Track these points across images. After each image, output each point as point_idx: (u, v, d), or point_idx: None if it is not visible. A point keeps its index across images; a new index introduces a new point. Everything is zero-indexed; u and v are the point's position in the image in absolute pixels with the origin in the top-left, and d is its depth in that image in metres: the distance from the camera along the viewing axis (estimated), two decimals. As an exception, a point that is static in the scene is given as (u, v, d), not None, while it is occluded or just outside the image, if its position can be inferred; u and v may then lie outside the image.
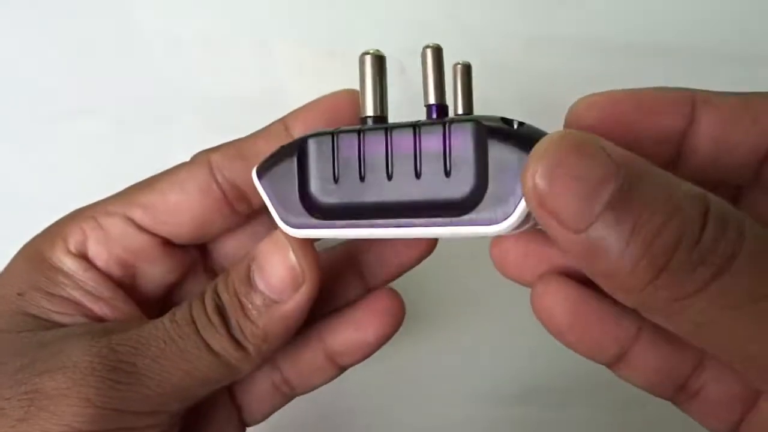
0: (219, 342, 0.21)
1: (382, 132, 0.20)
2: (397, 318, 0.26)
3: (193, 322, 0.22)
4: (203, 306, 0.22)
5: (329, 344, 0.25)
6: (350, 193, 0.20)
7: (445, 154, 0.19)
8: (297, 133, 0.23)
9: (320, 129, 0.21)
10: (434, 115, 0.20)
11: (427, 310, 0.43)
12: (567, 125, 0.20)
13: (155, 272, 0.25)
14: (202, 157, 0.24)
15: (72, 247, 0.23)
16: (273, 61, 0.36)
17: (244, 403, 0.27)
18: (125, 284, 0.24)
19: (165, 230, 0.24)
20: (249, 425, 0.27)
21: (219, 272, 0.26)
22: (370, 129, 0.20)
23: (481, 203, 0.18)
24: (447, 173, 0.19)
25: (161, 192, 0.24)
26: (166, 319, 0.22)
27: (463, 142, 0.19)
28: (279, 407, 0.27)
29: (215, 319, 0.22)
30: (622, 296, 0.16)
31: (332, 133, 0.20)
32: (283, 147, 0.21)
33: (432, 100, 0.20)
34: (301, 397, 0.40)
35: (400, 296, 0.26)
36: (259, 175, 0.22)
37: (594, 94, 0.20)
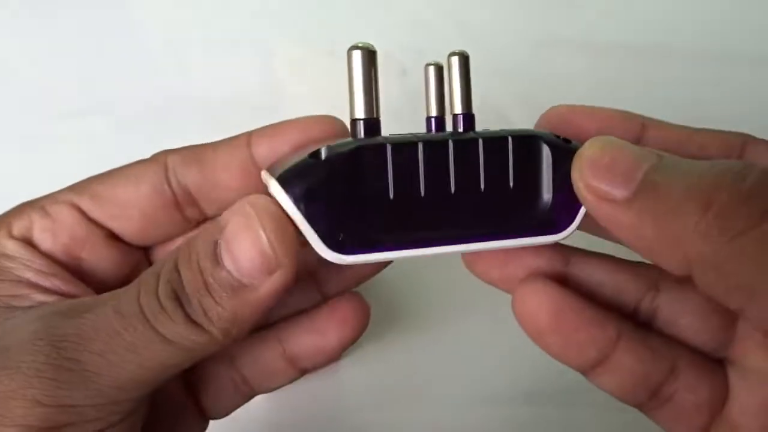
0: (173, 329, 0.19)
1: (443, 144, 0.19)
2: (361, 323, 0.25)
3: (141, 311, 0.19)
4: (155, 289, 0.20)
5: (290, 348, 0.25)
6: (408, 210, 0.19)
7: (510, 168, 0.19)
8: (260, 151, 0.23)
9: (364, 140, 0.19)
10: (461, 127, 0.20)
11: (428, 311, 0.43)
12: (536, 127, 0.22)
13: (99, 267, 0.24)
14: (161, 157, 0.24)
15: (15, 232, 0.23)
16: (273, 61, 0.35)
17: (202, 399, 0.26)
18: (72, 272, 0.24)
19: (112, 224, 0.24)
20: (213, 419, 0.26)
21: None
22: (429, 140, 0.19)
23: (546, 213, 0.20)
24: (510, 187, 0.19)
25: (113, 185, 0.23)
26: (109, 309, 0.20)
27: (526, 154, 0.19)
28: (241, 404, 0.26)
29: (169, 305, 0.19)
30: (672, 257, 0.18)
31: (386, 143, 0.19)
32: (317, 157, 0.19)
33: (459, 109, 0.20)
34: (301, 396, 0.40)
35: (364, 301, 0.25)
36: (287, 186, 0.19)
37: (560, 106, 0.22)
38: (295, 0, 0.36)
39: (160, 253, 0.26)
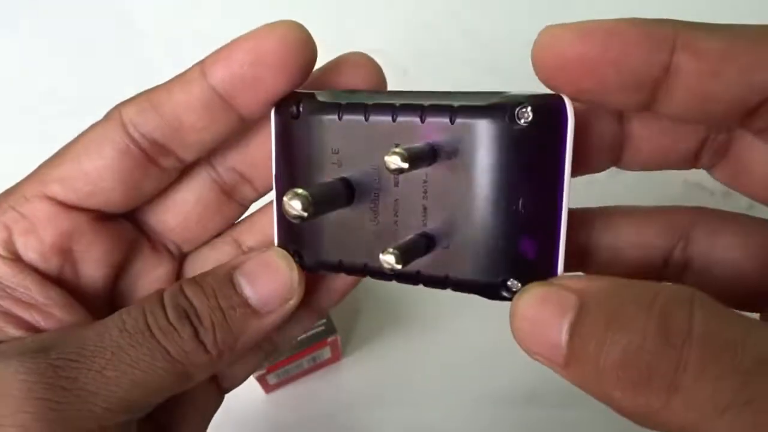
0: (181, 346, 0.20)
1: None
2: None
3: (148, 327, 0.20)
4: (161, 308, 0.20)
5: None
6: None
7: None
8: (217, 79, 0.21)
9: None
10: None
11: (430, 312, 0.43)
12: (533, 61, 0.18)
13: (95, 254, 0.22)
14: (113, 114, 0.21)
15: None
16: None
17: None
18: (65, 277, 0.22)
19: (93, 202, 0.21)
20: (228, 390, 0.26)
21: (167, 244, 0.24)
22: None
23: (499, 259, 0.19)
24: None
25: (75, 160, 0.21)
26: (113, 327, 0.20)
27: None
28: (260, 366, 0.27)
29: (178, 322, 0.20)
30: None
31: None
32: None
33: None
34: (301, 395, 0.40)
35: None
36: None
37: (559, 26, 0.18)
38: (296, 0, 0.36)
39: (155, 221, 0.24)
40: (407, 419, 0.38)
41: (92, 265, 0.22)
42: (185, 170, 0.23)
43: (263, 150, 0.22)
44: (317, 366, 0.40)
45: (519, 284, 0.18)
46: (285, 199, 0.18)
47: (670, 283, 0.16)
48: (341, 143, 0.20)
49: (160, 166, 0.22)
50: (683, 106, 0.17)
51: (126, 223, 0.23)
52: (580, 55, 0.17)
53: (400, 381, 0.39)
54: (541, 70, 0.18)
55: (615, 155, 0.21)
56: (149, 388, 0.20)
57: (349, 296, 0.26)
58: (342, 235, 0.21)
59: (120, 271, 0.23)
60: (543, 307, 0.17)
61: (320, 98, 0.20)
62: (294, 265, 0.22)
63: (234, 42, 0.20)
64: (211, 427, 0.26)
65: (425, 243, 0.19)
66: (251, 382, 0.37)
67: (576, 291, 0.16)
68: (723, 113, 0.17)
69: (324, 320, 0.37)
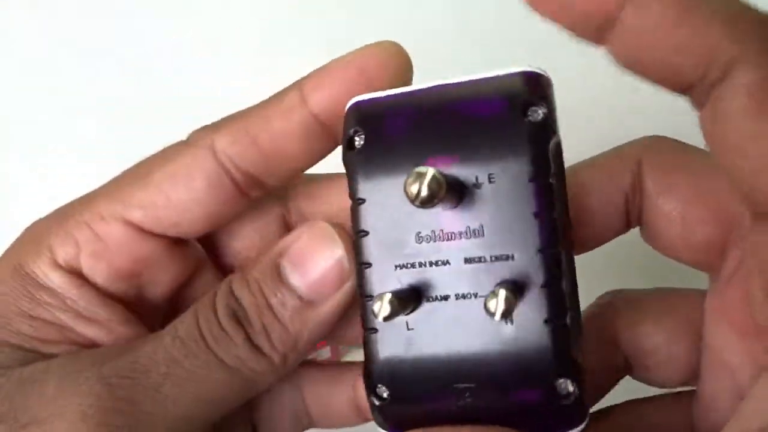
0: (235, 353, 0.18)
1: None
2: None
3: (201, 335, 0.19)
4: (213, 313, 0.19)
5: (361, 395, 0.22)
6: None
7: None
8: (320, 107, 0.19)
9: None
10: None
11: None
12: None
13: (163, 278, 0.21)
14: (203, 141, 0.20)
15: (61, 261, 0.20)
16: (274, 63, 0.36)
17: (261, 428, 0.24)
18: (128, 297, 0.21)
19: (174, 231, 0.20)
20: None
21: (229, 264, 0.23)
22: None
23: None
24: None
25: (161, 189, 0.20)
26: (166, 336, 0.19)
27: None
28: None
29: (230, 326, 0.19)
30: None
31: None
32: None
33: None
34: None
35: None
36: None
37: None
38: (296, 2, 0.36)
39: (225, 241, 0.23)
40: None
41: (158, 287, 0.22)
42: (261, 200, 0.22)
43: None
44: (317, 366, 0.40)
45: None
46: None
47: None
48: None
49: (248, 197, 0.21)
50: (626, 55, 0.16)
51: (196, 245, 0.22)
52: None
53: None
54: None
55: None
56: (211, 402, 0.18)
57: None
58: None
59: (183, 288, 0.22)
60: None
61: None
62: (339, 240, 0.19)
63: (332, 64, 0.19)
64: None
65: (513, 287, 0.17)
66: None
67: None
68: (663, 77, 0.16)
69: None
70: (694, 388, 0.21)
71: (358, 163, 0.18)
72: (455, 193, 0.17)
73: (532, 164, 0.17)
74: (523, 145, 0.17)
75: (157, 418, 0.18)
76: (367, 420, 0.23)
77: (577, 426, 0.17)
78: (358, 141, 0.18)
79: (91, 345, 0.20)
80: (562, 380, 0.17)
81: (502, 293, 0.16)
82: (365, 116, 0.18)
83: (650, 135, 0.21)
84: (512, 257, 0.17)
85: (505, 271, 0.17)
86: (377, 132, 0.18)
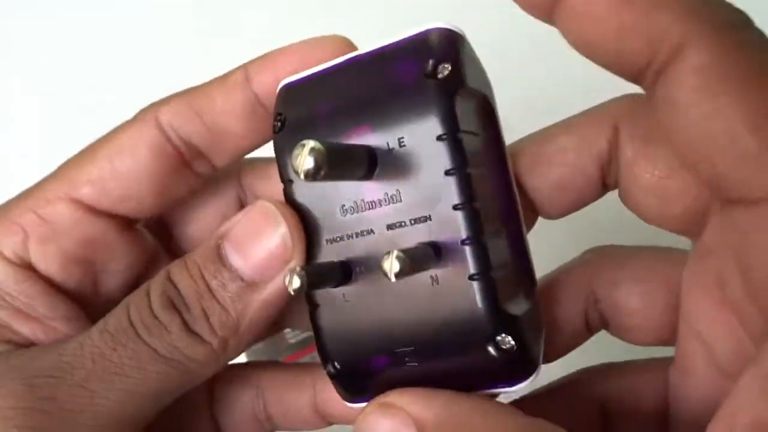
0: (170, 342, 0.18)
1: None
2: None
3: (132, 325, 0.18)
4: (146, 302, 0.18)
5: (322, 401, 0.22)
6: None
7: None
8: (263, 87, 0.20)
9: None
10: None
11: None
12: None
13: (117, 266, 0.21)
14: (149, 115, 0.20)
15: (8, 252, 0.19)
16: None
17: (223, 426, 0.23)
18: (82, 291, 0.20)
19: (124, 207, 0.20)
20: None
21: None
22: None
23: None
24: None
25: (107, 160, 0.20)
26: (94, 331, 0.18)
27: None
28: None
29: (164, 314, 0.18)
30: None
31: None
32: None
33: None
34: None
35: None
36: None
37: None
38: (295, 0, 0.36)
39: (179, 232, 0.23)
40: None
41: (112, 278, 0.21)
42: (212, 182, 0.22)
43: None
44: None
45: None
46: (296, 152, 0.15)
47: (510, 414, 0.16)
48: None
49: (193, 170, 0.21)
50: (571, 36, 0.16)
51: (148, 234, 0.22)
52: None
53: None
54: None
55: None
56: (145, 394, 0.18)
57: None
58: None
59: (138, 283, 0.21)
60: None
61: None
62: (281, 219, 0.18)
63: (280, 50, 0.20)
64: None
65: (432, 251, 0.17)
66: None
67: (416, 422, 0.16)
68: (608, 62, 0.16)
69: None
70: (671, 347, 0.20)
71: (281, 145, 0.19)
72: (356, 162, 0.17)
73: (438, 122, 0.16)
74: (428, 104, 0.16)
75: (83, 416, 0.17)
76: (329, 423, 0.23)
77: (523, 380, 0.17)
78: (279, 125, 0.19)
79: (28, 344, 0.19)
80: (497, 336, 0.16)
81: (394, 253, 0.15)
82: (287, 100, 0.19)
83: (628, 94, 0.20)
84: (429, 218, 0.17)
85: (423, 232, 0.17)
86: (299, 113, 0.18)
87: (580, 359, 0.23)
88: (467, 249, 0.16)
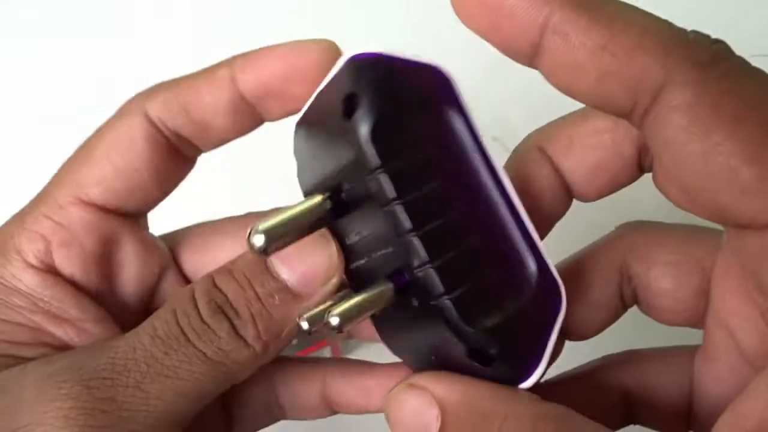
0: (218, 346, 0.19)
1: None
2: None
3: (182, 331, 0.19)
4: (193, 308, 0.19)
5: (331, 391, 0.23)
6: None
7: None
8: (247, 86, 0.20)
9: None
10: None
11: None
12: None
13: (134, 266, 0.22)
14: (135, 108, 0.21)
15: (33, 259, 0.20)
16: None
17: (236, 418, 0.24)
18: (102, 292, 0.21)
19: (132, 201, 0.21)
20: None
21: (190, 272, 0.24)
22: None
23: None
24: None
25: (107, 159, 0.20)
26: (144, 335, 0.19)
27: None
28: (268, 425, 0.26)
29: (213, 319, 0.19)
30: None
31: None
32: None
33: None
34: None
35: None
36: None
37: None
38: (295, 0, 0.36)
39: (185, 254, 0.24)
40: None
41: (130, 279, 0.22)
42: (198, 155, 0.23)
43: None
44: (317, 365, 0.40)
45: None
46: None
47: (529, 400, 0.17)
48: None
49: (183, 154, 0.22)
50: (556, 82, 0.16)
51: (162, 244, 0.23)
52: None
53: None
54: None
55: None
56: (192, 396, 0.19)
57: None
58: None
59: (154, 293, 0.23)
60: (413, 418, 0.17)
61: None
62: (331, 238, 0.19)
63: (266, 51, 0.20)
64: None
65: None
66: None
67: (439, 402, 0.17)
68: (594, 103, 0.16)
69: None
70: (699, 330, 0.21)
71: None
72: (310, 219, 0.18)
73: (361, 162, 0.16)
74: (348, 145, 0.16)
75: (138, 414, 0.18)
76: (335, 412, 0.24)
77: (526, 377, 0.17)
78: None
79: (64, 347, 0.20)
80: (475, 351, 0.17)
81: (336, 309, 0.17)
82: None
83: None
84: (389, 249, 0.17)
85: (388, 263, 0.17)
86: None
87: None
88: (422, 273, 0.16)
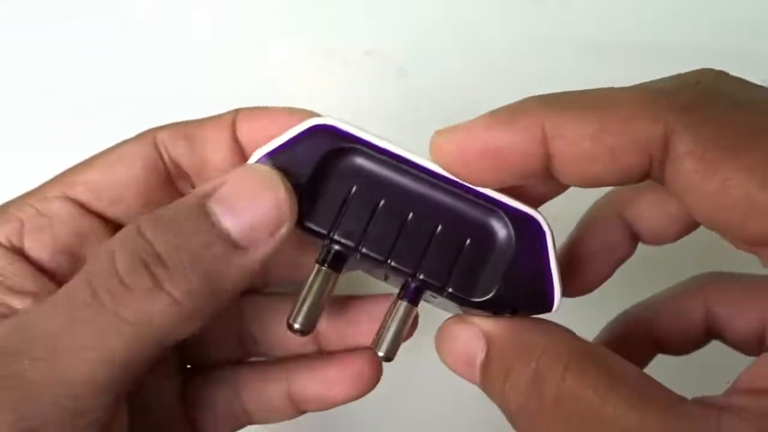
0: (140, 308, 0.17)
1: None
2: (371, 382, 0.24)
3: (95, 294, 0.17)
4: (112, 265, 0.17)
5: (295, 389, 0.24)
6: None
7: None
8: (242, 133, 0.23)
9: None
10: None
11: (433, 309, 0.43)
12: (435, 159, 0.20)
13: None
14: (148, 135, 0.23)
15: (3, 238, 0.21)
16: (272, 62, 0.36)
17: (200, 427, 0.24)
18: (68, 274, 0.21)
19: (114, 210, 0.22)
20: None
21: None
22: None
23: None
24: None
25: (104, 167, 0.22)
26: (56, 302, 0.18)
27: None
28: (237, 431, 0.26)
29: (133, 277, 0.17)
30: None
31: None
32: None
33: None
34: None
35: (377, 359, 0.23)
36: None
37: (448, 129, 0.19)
38: (294, 0, 0.36)
39: None
40: (410, 415, 0.38)
41: None
42: None
43: None
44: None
45: None
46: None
47: (567, 335, 0.19)
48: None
49: (177, 187, 0.23)
50: (576, 179, 0.18)
51: None
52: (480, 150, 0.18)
53: (401, 378, 0.39)
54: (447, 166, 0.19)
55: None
56: (117, 362, 0.17)
57: (350, 291, 0.26)
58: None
59: None
60: (462, 348, 0.20)
61: None
62: (281, 182, 0.18)
63: (267, 110, 0.23)
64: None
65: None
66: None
67: (485, 335, 0.19)
68: (617, 181, 0.18)
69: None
70: None
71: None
72: (324, 284, 0.21)
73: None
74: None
75: (50, 388, 0.17)
76: (302, 412, 0.24)
77: (547, 310, 0.20)
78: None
79: None
80: (496, 311, 0.20)
81: (382, 348, 0.21)
82: None
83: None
84: (386, 273, 0.21)
85: (394, 282, 0.22)
86: None
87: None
88: (418, 285, 0.20)
